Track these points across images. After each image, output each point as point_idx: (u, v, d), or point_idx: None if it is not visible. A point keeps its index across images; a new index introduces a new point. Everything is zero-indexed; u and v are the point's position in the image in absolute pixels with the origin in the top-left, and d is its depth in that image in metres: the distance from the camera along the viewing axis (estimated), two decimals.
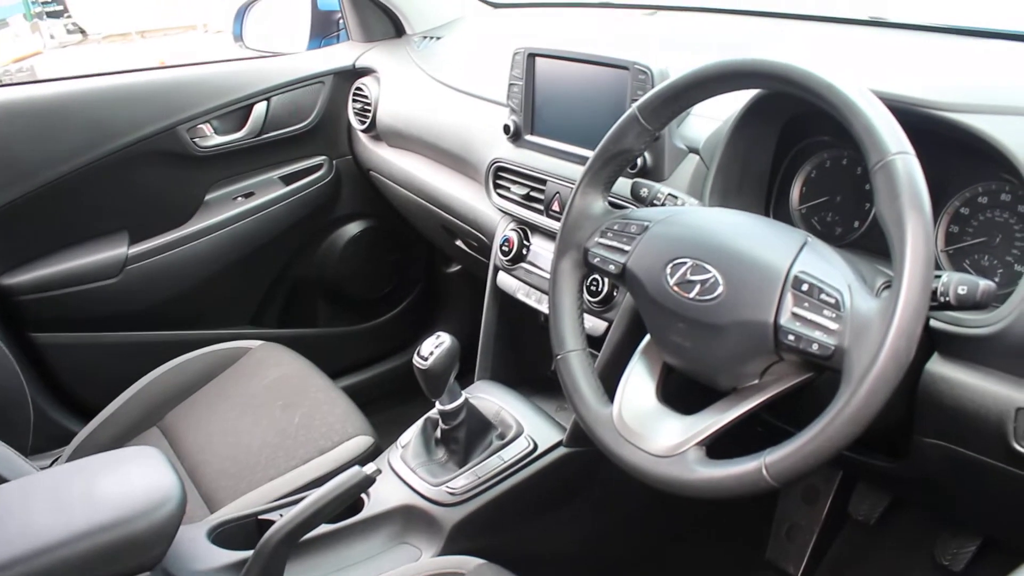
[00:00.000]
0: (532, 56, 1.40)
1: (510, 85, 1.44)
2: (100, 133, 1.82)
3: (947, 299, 0.78)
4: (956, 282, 0.78)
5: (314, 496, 1.11)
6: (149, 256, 1.90)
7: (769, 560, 1.63)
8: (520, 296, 1.45)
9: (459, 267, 2.29)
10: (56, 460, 1.58)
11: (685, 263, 0.90)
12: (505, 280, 1.48)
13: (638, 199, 1.11)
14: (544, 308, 1.38)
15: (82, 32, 11.87)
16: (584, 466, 1.31)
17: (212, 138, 1.98)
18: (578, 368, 1.00)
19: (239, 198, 2.03)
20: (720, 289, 0.86)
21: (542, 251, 1.41)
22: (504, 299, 1.51)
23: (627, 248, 0.97)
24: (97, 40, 11.53)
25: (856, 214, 1.12)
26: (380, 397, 1.78)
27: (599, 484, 1.36)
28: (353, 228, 2.22)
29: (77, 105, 1.82)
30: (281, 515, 1.16)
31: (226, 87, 1.96)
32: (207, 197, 2.01)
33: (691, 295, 0.88)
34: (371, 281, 2.30)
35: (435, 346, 1.19)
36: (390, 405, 1.72)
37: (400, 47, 2.06)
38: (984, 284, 0.77)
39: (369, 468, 1.14)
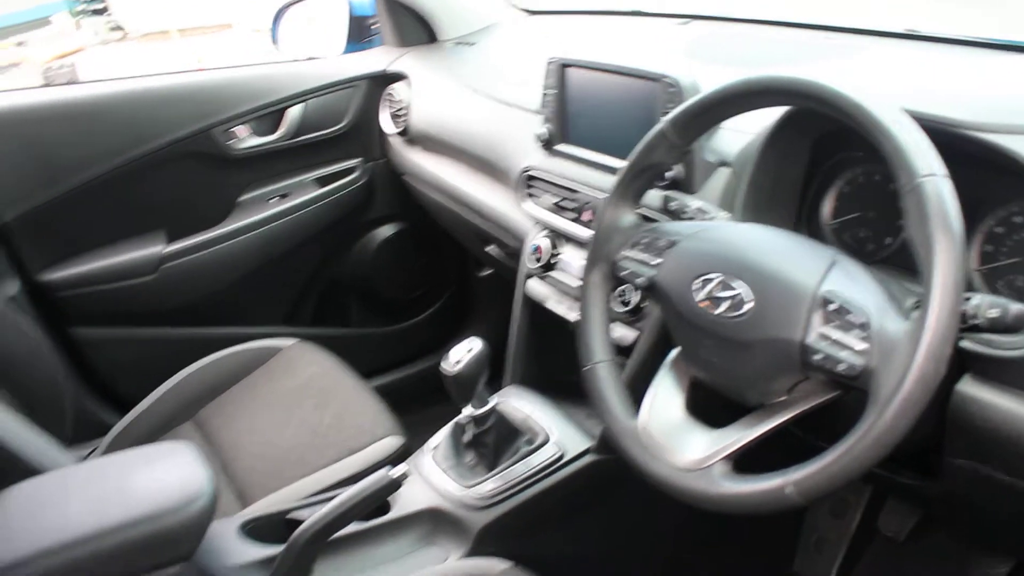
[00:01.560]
0: (565, 66, 1.41)
1: (544, 94, 1.45)
2: (138, 134, 1.85)
3: (978, 322, 0.78)
4: (987, 305, 0.77)
5: (344, 496, 1.13)
6: (184, 255, 1.93)
7: (797, 573, 1.62)
8: (549, 304, 1.46)
9: (490, 272, 2.31)
10: (93, 452, 1.62)
11: (713, 279, 0.90)
12: (535, 287, 1.49)
13: (668, 212, 1.11)
14: (573, 315, 1.39)
15: (122, 30, 12.03)
16: (613, 474, 1.31)
17: (247, 140, 2.01)
18: (606, 379, 1.01)
19: (273, 199, 2.06)
20: (748, 306, 0.87)
21: (572, 259, 1.41)
22: (534, 306, 1.52)
23: (656, 262, 0.98)
24: (137, 38, 11.68)
25: (888, 231, 1.12)
26: (409, 398, 1.79)
27: (627, 492, 1.36)
28: (386, 231, 2.24)
29: (117, 106, 1.86)
30: (311, 513, 1.18)
31: (261, 90, 1.99)
32: (242, 198, 2.04)
33: (719, 311, 0.89)
34: (403, 283, 2.32)
35: (465, 351, 1.20)
36: (419, 407, 1.74)
37: (433, 53, 2.07)
38: (1016, 308, 0.76)
39: (398, 471, 1.16)
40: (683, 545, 1.54)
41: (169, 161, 1.89)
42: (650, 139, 1.01)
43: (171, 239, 1.94)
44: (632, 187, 1.04)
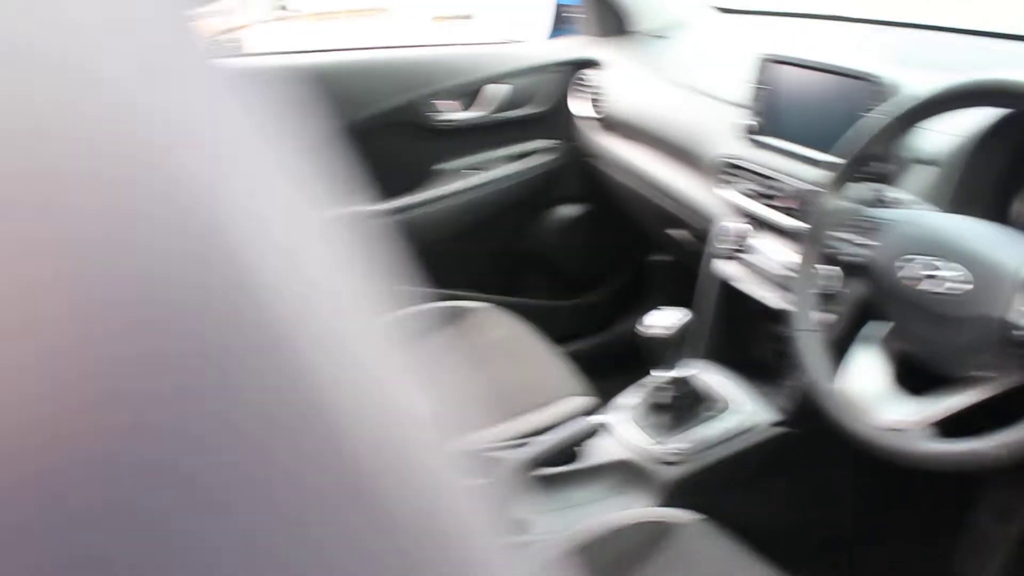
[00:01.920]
0: (773, 62, 1.50)
1: (755, 88, 1.53)
2: (357, 102, 2.02)
3: None
4: None
5: (549, 436, 1.26)
6: (387, 216, 2.09)
7: (958, 573, 1.62)
8: (743, 285, 1.54)
9: (665, 258, 2.39)
10: None
11: (925, 260, 0.98)
12: (726, 268, 1.58)
13: (872, 201, 1.19)
14: (762, 294, 1.48)
15: (285, 9, 12.64)
16: (797, 445, 1.39)
17: (449, 114, 2.16)
18: (813, 346, 1.11)
19: (469, 171, 2.20)
20: (956, 285, 0.94)
21: (767, 245, 1.49)
22: (720, 286, 1.61)
23: (870, 243, 1.06)
24: (301, 17, 12.25)
25: None
26: (583, 369, 1.91)
27: (811, 463, 1.44)
28: (571, 210, 2.35)
29: (340, 75, 2.03)
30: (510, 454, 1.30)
31: (465, 68, 2.13)
32: (442, 167, 2.19)
33: (929, 289, 0.97)
34: (584, 261, 2.43)
35: (673, 318, 1.31)
36: (592, 379, 1.85)
37: (629, 43, 2.16)
38: None
39: (596, 419, 1.28)
40: (853, 527, 1.59)
41: (379, 129, 2.06)
42: (878, 131, 1.09)
43: (377, 201, 2.10)
44: (849, 174, 1.13)
